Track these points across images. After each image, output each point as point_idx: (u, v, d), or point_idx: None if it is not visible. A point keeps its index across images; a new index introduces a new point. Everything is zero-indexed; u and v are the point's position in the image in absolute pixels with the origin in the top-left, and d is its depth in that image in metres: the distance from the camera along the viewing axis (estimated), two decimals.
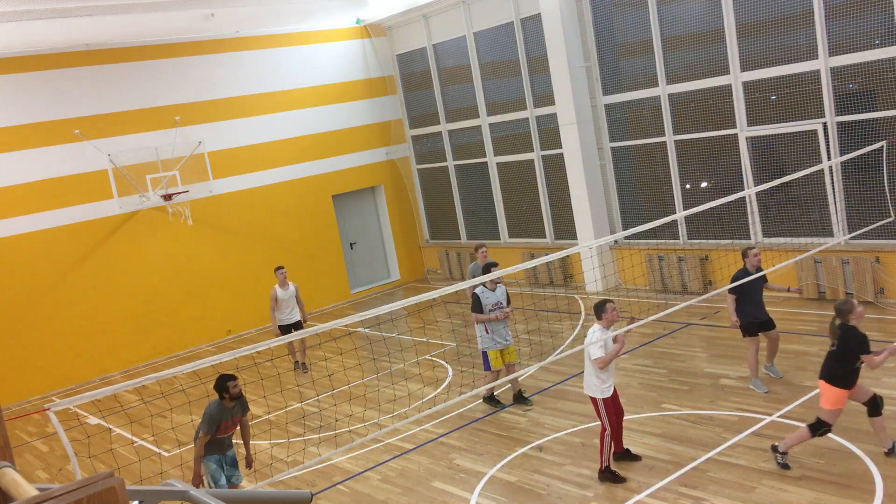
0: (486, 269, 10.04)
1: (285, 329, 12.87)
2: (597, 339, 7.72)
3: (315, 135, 17.91)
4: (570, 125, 15.01)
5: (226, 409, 7.79)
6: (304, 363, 13.28)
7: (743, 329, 9.44)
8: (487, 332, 9.96)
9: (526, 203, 17.11)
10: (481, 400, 10.38)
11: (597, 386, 7.83)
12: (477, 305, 9.94)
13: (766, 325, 9.54)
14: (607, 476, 7.77)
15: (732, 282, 9.29)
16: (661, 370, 10.63)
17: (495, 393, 10.48)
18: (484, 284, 9.87)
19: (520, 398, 10.23)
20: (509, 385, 10.40)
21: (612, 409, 7.87)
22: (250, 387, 12.20)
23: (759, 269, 9.34)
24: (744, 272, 9.31)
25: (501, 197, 17.60)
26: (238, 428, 8.09)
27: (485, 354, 10.16)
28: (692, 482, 7.48)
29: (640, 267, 14.64)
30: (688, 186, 14.25)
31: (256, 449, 10.14)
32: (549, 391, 10.53)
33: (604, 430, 7.82)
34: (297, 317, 13.01)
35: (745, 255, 9.42)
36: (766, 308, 9.54)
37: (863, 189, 12.11)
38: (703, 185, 14.15)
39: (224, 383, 7.76)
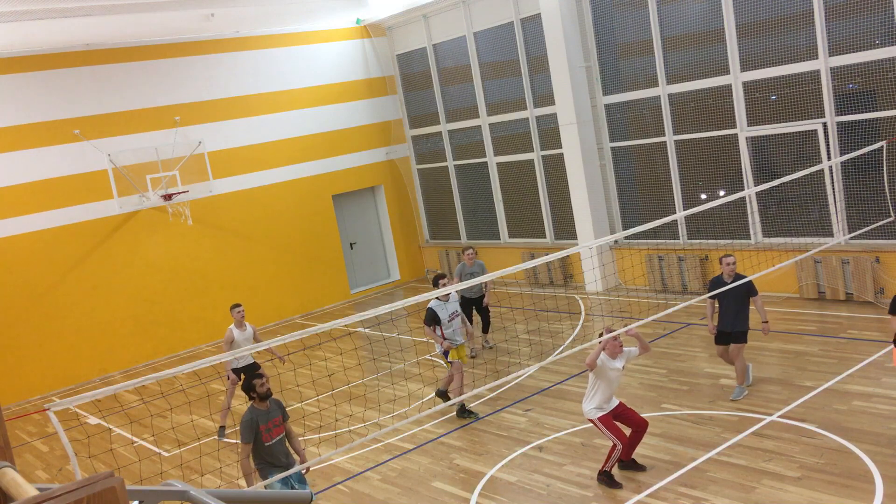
0: (435, 281, 10.16)
1: (238, 372, 10.71)
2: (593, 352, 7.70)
3: (315, 135, 17.91)
4: (570, 125, 15.01)
5: (260, 412, 7.16)
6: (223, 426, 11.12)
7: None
8: (445, 339, 10.03)
9: (525, 203, 17.12)
10: (455, 415, 10.19)
11: (589, 409, 7.79)
12: (430, 318, 10.01)
13: (732, 338, 9.19)
14: (604, 479, 7.74)
15: (709, 288, 9.23)
16: (661, 370, 10.64)
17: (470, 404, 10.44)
18: (438, 297, 9.90)
19: (462, 412, 10.14)
20: (457, 389, 10.35)
21: (614, 425, 7.73)
22: None
23: (736, 278, 9.04)
24: (718, 279, 9.19)
25: (501, 197, 17.60)
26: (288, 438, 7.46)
27: (445, 354, 10.20)
28: (692, 482, 7.48)
29: (640, 267, 14.64)
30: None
31: None
32: (550, 391, 10.53)
33: (614, 446, 7.70)
34: (250, 358, 10.96)
35: (720, 261, 9.21)
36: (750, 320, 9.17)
37: (863, 189, 12.11)
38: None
39: (250, 382, 7.22)
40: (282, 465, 7.20)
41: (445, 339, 10.02)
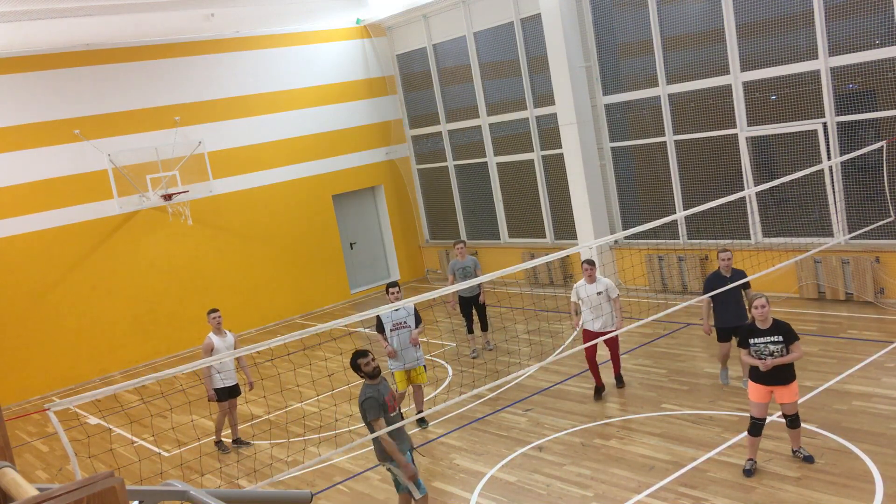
0: (386, 288, 9.94)
1: (222, 394, 10.11)
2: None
3: (315, 135, 17.91)
4: (570, 125, 15.00)
5: (375, 387, 7.05)
6: (238, 438, 10.47)
7: (717, 334, 9.44)
8: (394, 354, 9.81)
9: (525, 203, 17.11)
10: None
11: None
12: (378, 325, 9.83)
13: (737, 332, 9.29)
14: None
15: (705, 284, 9.40)
16: (661, 370, 10.63)
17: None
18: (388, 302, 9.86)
19: (421, 421, 10.00)
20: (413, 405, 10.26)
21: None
22: None
23: (733, 272, 9.20)
24: (716, 275, 9.34)
25: (501, 197, 17.60)
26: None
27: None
28: (692, 482, 7.48)
29: (640, 267, 14.64)
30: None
31: (257, 449, 10.15)
32: (550, 391, 10.53)
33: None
34: (234, 378, 10.21)
35: (718, 256, 9.40)
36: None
37: (863, 189, 12.11)
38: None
39: (356, 361, 7.14)
40: (404, 441, 7.17)
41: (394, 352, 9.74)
